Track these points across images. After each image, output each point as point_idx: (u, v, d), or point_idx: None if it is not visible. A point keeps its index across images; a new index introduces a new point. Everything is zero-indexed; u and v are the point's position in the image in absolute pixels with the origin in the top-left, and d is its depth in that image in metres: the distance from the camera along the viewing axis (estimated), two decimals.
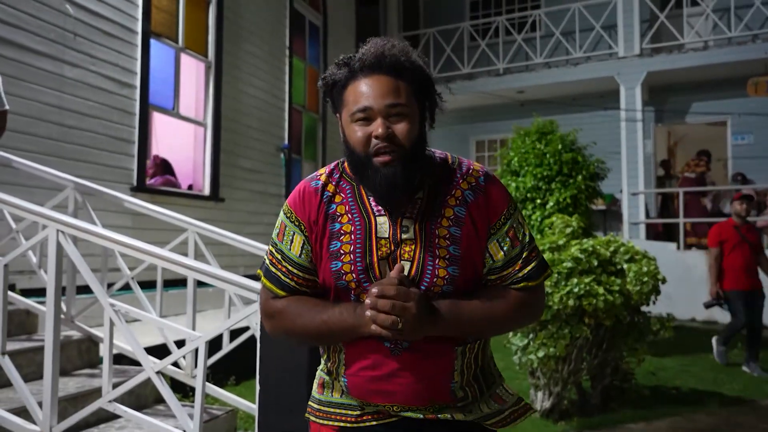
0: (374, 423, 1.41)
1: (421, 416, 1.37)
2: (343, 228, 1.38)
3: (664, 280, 4.64)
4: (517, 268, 1.40)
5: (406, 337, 1.29)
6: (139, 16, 6.16)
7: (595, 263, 4.48)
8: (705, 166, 10.59)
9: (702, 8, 10.83)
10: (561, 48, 11.91)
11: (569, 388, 4.60)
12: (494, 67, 12.07)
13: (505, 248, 1.39)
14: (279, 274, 1.43)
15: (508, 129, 9.46)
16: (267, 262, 1.46)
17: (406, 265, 1.35)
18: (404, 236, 1.36)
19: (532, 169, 6.95)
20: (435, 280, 1.34)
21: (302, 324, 1.38)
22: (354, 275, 1.35)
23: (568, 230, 4.92)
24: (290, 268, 1.42)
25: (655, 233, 10.82)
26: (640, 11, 10.87)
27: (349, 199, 1.40)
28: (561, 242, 4.69)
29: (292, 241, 1.42)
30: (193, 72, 7.25)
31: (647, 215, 10.88)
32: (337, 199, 1.41)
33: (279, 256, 1.43)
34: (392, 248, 1.36)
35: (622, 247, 4.76)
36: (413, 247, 1.36)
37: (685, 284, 8.89)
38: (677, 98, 11.53)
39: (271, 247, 1.47)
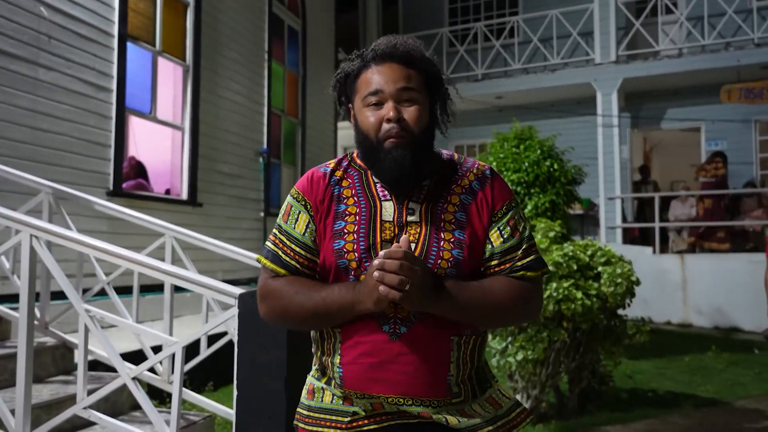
0: (366, 428, 1.38)
1: (417, 412, 1.35)
2: (349, 209, 1.42)
3: (638, 282, 4.66)
4: (517, 257, 1.42)
5: (411, 301, 1.27)
6: (116, 19, 6.10)
7: (575, 267, 4.52)
8: (723, 167, 10.44)
9: (676, 16, 11.02)
10: (539, 54, 12.03)
11: (547, 392, 4.64)
12: (473, 73, 12.15)
13: (505, 236, 1.43)
14: (281, 253, 1.44)
15: (487, 134, 9.53)
16: (270, 244, 1.47)
17: (411, 246, 1.37)
18: (410, 218, 1.40)
19: (510, 174, 6.99)
20: (439, 261, 1.36)
21: (299, 302, 1.37)
22: (356, 254, 1.37)
23: (551, 234, 4.96)
24: (294, 247, 1.43)
25: (631, 238, 10.95)
26: (616, 19, 11.03)
27: (356, 184, 1.45)
28: (543, 246, 4.73)
29: (297, 220, 1.44)
30: (170, 76, 7.20)
31: (624, 220, 11.01)
32: (345, 183, 1.46)
33: (283, 237, 1.45)
34: (396, 231, 1.39)
35: (599, 251, 4.80)
36: (418, 229, 1.39)
37: (660, 288, 9.01)
38: (652, 104, 11.71)
39: (275, 230, 1.48)
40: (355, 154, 1.51)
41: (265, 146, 8.77)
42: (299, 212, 1.44)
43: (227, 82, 7.97)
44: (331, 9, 11.36)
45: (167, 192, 7.23)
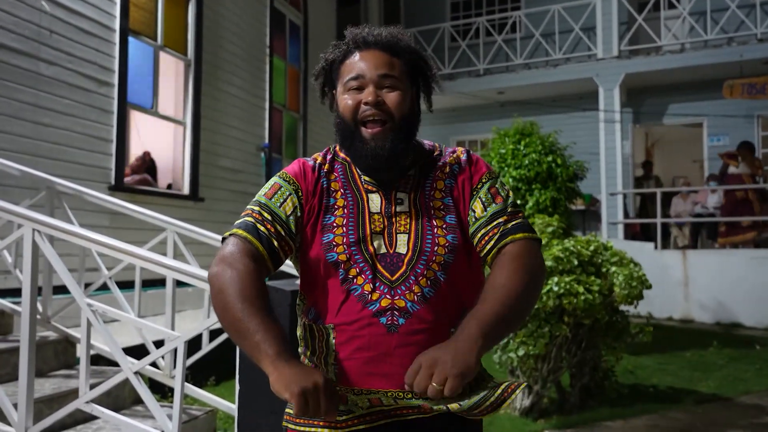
0: (360, 427, 1.34)
1: (418, 405, 1.30)
2: (337, 203, 1.40)
3: (650, 286, 4.66)
4: (502, 220, 1.38)
5: (461, 379, 1.17)
6: (117, 13, 6.09)
7: (576, 263, 4.51)
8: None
9: (679, 11, 10.99)
10: (541, 49, 12.00)
11: (549, 387, 4.64)
12: (474, 68, 12.13)
13: (486, 203, 1.40)
14: (259, 225, 1.35)
15: (489, 130, 9.53)
16: (245, 218, 1.37)
17: (404, 237, 1.36)
18: (399, 208, 1.38)
19: (511, 170, 6.99)
20: (436, 248, 1.35)
21: (236, 297, 1.24)
22: (345, 247, 1.34)
23: (549, 230, 4.96)
24: (276, 225, 1.36)
25: (633, 233, 10.94)
26: (619, 13, 11.00)
27: (342, 177, 1.43)
28: (543, 242, 4.72)
29: (284, 201, 1.39)
30: (172, 70, 7.19)
31: (626, 215, 11.00)
32: (332, 176, 1.44)
33: (265, 213, 1.37)
34: (386, 222, 1.37)
35: (607, 251, 4.80)
36: (408, 219, 1.38)
37: (662, 284, 8.98)
38: (654, 100, 11.68)
39: (252, 206, 1.39)
40: (337, 148, 1.48)
41: (266, 141, 8.76)
42: (288, 194, 1.40)
43: (229, 76, 7.96)
44: (333, 3, 11.33)
45: (169, 187, 7.24)
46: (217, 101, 7.70)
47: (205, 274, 2.74)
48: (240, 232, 1.35)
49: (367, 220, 1.37)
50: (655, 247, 9.74)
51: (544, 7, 11.88)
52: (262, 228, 1.35)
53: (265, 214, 1.37)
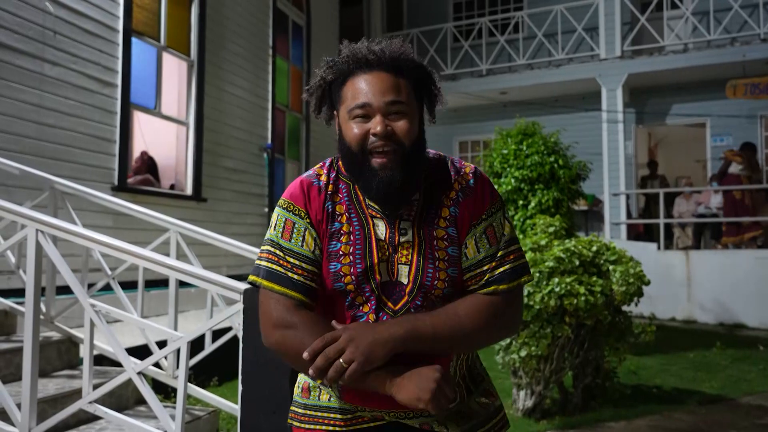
0: (365, 426, 1.35)
1: (419, 424, 1.33)
2: (343, 228, 1.34)
3: (648, 283, 4.68)
4: (489, 268, 1.34)
5: (362, 366, 1.19)
6: (121, 14, 6.10)
7: (577, 263, 4.51)
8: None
9: (682, 11, 10.98)
10: (543, 49, 12.00)
11: (551, 387, 4.63)
12: (477, 68, 12.13)
13: (479, 245, 1.35)
14: (291, 275, 1.32)
15: (491, 130, 9.53)
16: (269, 265, 1.34)
17: (404, 269, 1.33)
18: (402, 239, 1.33)
19: (513, 170, 6.99)
20: (436, 282, 1.32)
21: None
22: (353, 278, 1.31)
23: (551, 230, 4.96)
24: (305, 266, 1.33)
25: (636, 234, 10.93)
26: (621, 14, 10.99)
27: (346, 200, 1.37)
28: (543, 242, 4.73)
29: (303, 240, 1.34)
30: (175, 71, 7.20)
31: (629, 216, 10.98)
32: (337, 198, 1.37)
33: (292, 259, 1.33)
34: (391, 251, 1.33)
35: (607, 250, 4.80)
36: (410, 250, 1.33)
37: (665, 284, 8.99)
38: (657, 100, 11.67)
39: (273, 249, 1.35)
40: (340, 163, 1.40)
41: (269, 141, 8.77)
42: (305, 229, 1.34)
43: (231, 77, 7.97)
44: (336, 4, 11.35)
45: (172, 187, 7.25)
46: (220, 102, 7.71)
47: (207, 274, 2.75)
48: (275, 287, 1.33)
49: (375, 248, 1.33)
50: (658, 248, 9.73)
51: (546, 8, 11.87)
52: (294, 276, 1.32)
53: (291, 260, 1.33)
